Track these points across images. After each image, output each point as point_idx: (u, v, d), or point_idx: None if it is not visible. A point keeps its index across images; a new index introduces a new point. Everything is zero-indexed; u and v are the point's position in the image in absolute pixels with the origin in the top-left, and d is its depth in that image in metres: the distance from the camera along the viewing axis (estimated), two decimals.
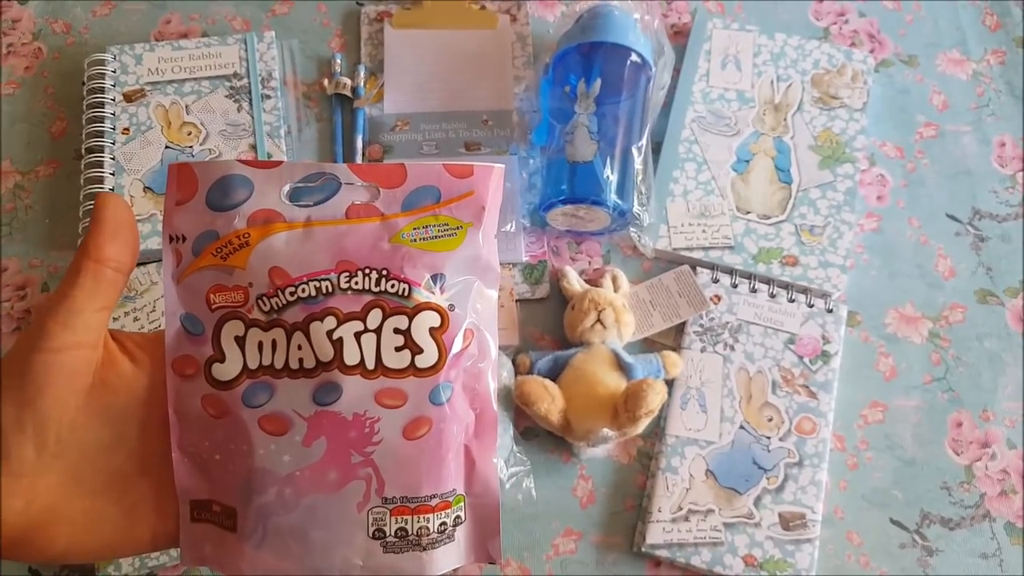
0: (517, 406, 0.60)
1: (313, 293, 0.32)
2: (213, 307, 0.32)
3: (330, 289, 0.32)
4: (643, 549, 0.58)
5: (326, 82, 0.73)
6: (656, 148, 0.70)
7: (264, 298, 0.32)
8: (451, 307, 0.33)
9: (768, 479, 0.60)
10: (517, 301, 0.65)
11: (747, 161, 0.70)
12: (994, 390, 0.65)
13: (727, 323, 0.64)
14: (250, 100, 0.70)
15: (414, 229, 0.33)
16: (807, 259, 0.66)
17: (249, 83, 0.71)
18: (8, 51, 0.74)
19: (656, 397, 0.56)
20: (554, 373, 0.61)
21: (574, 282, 0.65)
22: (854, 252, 0.68)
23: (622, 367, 0.61)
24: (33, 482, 0.30)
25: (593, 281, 0.66)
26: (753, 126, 0.71)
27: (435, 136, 0.70)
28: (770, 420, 0.62)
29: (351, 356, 0.32)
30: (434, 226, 0.33)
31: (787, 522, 0.59)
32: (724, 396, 0.62)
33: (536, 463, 0.61)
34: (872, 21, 0.78)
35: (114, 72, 0.70)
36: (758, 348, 0.64)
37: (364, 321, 0.32)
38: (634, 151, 0.65)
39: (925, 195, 0.71)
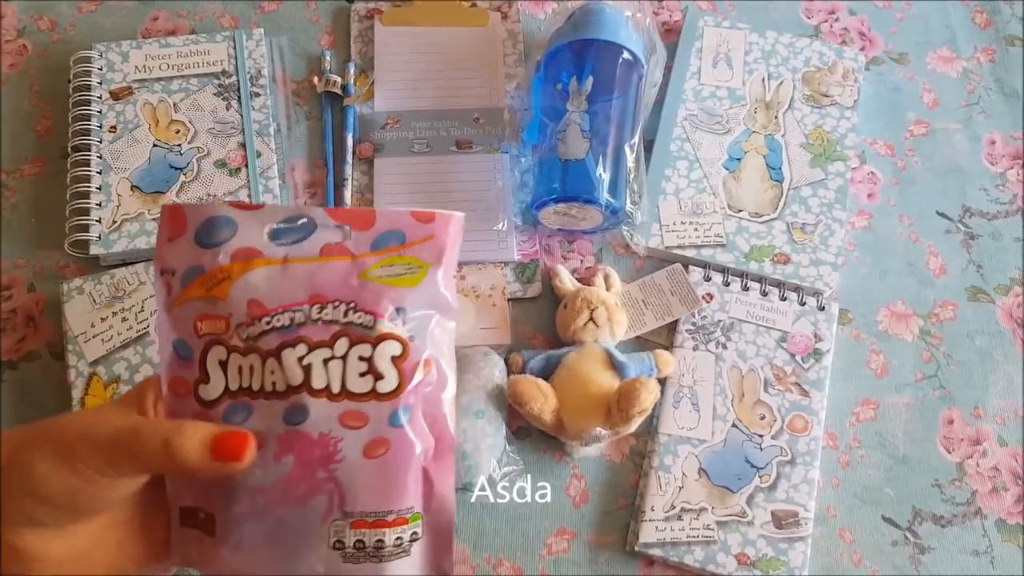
0: (510, 405, 0.60)
1: (287, 323, 0.36)
2: (200, 334, 0.36)
3: (303, 320, 0.36)
4: (636, 548, 0.58)
5: (316, 80, 0.72)
6: (648, 146, 0.70)
7: (242, 327, 0.35)
8: (411, 338, 0.36)
9: (761, 477, 0.60)
10: (509, 300, 0.65)
11: (739, 159, 0.70)
12: (985, 387, 0.65)
13: (719, 321, 0.64)
14: (239, 98, 0.70)
15: (380, 267, 0.37)
16: (799, 257, 0.66)
17: (238, 81, 0.70)
18: None
19: (649, 396, 0.56)
20: (547, 372, 0.61)
21: (566, 281, 0.64)
22: (845, 250, 0.68)
23: (615, 366, 0.61)
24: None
25: (585, 280, 0.66)
26: (744, 124, 0.71)
27: (426, 134, 0.70)
28: (762, 418, 0.62)
29: (319, 380, 0.35)
30: (399, 265, 0.37)
31: (780, 520, 0.59)
32: (716, 394, 0.62)
33: (529, 463, 0.61)
34: (863, 19, 0.78)
35: (100, 70, 0.70)
36: (750, 346, 0.64)
37: (332, 348, 0.36)
38: (626, 149, 0.65)
39: (916, 193, 0.71)
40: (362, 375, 0.36)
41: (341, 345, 0.36)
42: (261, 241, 0.37)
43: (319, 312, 0.36)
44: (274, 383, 0.35)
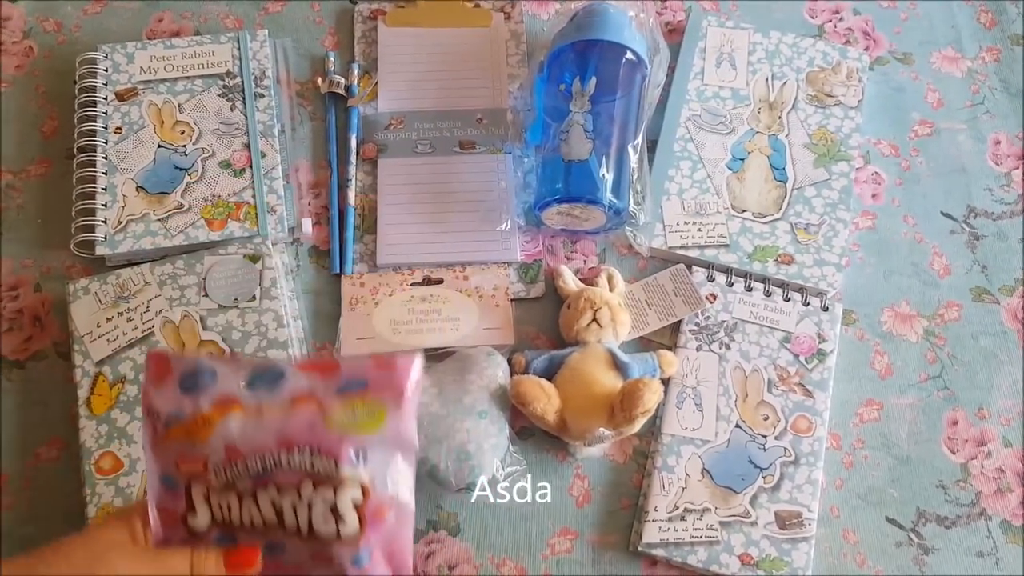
0: (513, 406, 0.60)
1: (259, 468, 0.40)
2: (182, 471, 0.40)
3: (273, 464, 0.39)
4: (639, 548, 0.58)
5: (320, 81, 0.72)
6: (651, 146, 0.70)
7: (219, 468, 0.40)
8: (372, 480, 0.40)
9: (764, 478, 0.60)
10: (512, 300, 0.65)
11: (742, 159, 0.70)
12: (989, 388, 0.65)
13: (723, 322, 0.64)
14: (243, 99, 0.70)
15: (344, 413, 0.40)
16: (802, 257, 0.66)
17: (242, 82, 0.70)
18: None
19: (652, 396, 0.56)
20: (550, 372, 0.61)
21: (569, 281, 0.65)
22: (849, 250, 0.68)
23: (618, 366, 0.61)
24: None
25: (588, 280, 0.66)
26: (748, 124, 0.71)
27: (429, 135, 0.70)
28: (766, 419, 0.62)
29: (289, 522, 0.40)
30: (361, 410, 0.40)
31: (783, 521, 0.59)
32: (720, 395, 0.62)
33: (532, 462, 0.61)
34: (867, 19, 0.78)
35: (106, 71, 0.70)
36: (754, 347, 0.64)
37: (299, 491, 0.40)
38: (629, 149, 0.65)
39: (920, 193, 0.71)
40: (326, 519, 0.39)
41: (306, 488, 0.40)
42: (239, 389, 0.41)
43: (287, 457, 0.40)
44: (252, 520, 0.40)
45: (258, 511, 0.40)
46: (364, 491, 0.40)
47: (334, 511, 0.39)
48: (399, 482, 0.41)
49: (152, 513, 0.40)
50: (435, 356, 0.62)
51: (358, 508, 0.40)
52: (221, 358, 0.42)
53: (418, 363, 0.41)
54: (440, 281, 0.66)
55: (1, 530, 0.59)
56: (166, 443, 0.41)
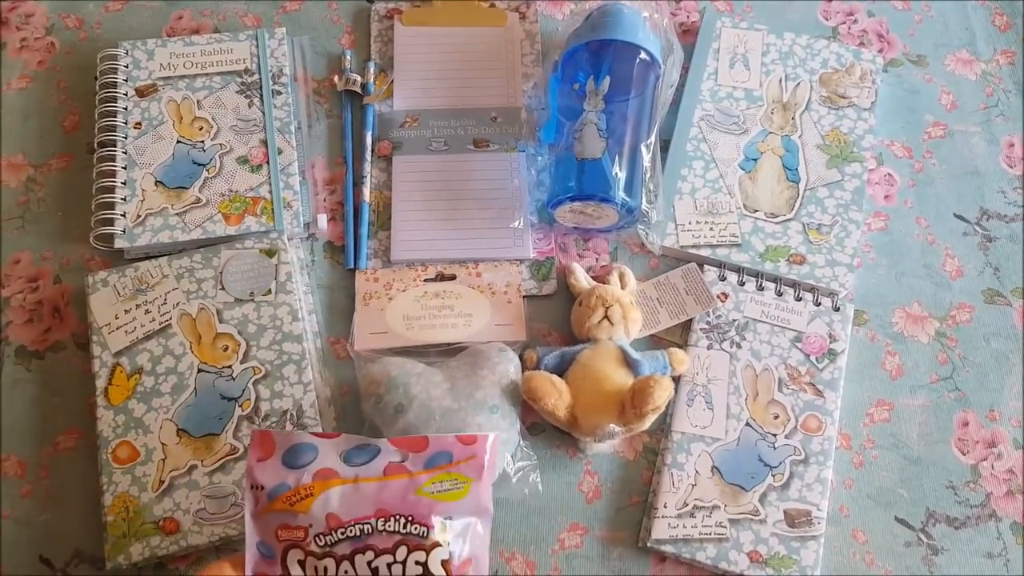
0: (524, 401, 0.60)
1: (358, 533, 0.45)
2: (280, 539, 0.45)
3: (370, 531, 0.45)
4: (648, 544, 0.59)
5: (336, 78, 0.73)
6: (664, 146, 0.70)
7: (320, 535, 0.45)
8: (457, 541, 0.46)
9: (774, 476, 0.60)
10: (524, 297, 0.66)
11: (755, 159, 0.70)
12: (1000, 390, 0.65)
13: (734, 321, 0.65)
14: (261, 96, 0.71)
15: (432, 484, 0.46)
16: (814, 258, 0.66)
17: (260, 79, 0.71)
18: (21, 46, 0.75)
19: (663, 393, 0.56)
20: (561, 369, 0.62)
21: (581, 279, 0.65)
22: (861, 251, 0.68)
23: (629, 364, 0.61)
24: None
25: (600, 278, 0.66)
26: (761, 125, 0.71)
27: (444, 132, 0.71)
28: (776, 417, 0.62)
29: None
30: (447, 481, 0.46)
31: (792, 519, 0.59)
32: (730, 393, 0.62)
33: (543, 458, 0.61)
34: (881, 21, 0.78)
35: (126, 67, 0.71)
36: (765, 346, 0.64)
37: (394, 555, 0.44)
38: (642, 149, 0.65)
39: (933, 195, 0.71)
40: None
41: (401, 552, 0.45)
42: (337, 463, 0.46)
43: (383, 524, 0.45)
44: None
45: (355, 572, 0.44)
46: (450, 553, 0.45)
47: (425, 570, 0.45)
48: (478, 543, 0.47)
49: None
50: (448, 351, 0.63)
51: (445, 566, 0.45)
52: (322, 435, 0.47)
53: (496, 440, 0.48)
54: (453, 277, 0.66)
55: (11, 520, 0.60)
56: (268, 514, 0.45)
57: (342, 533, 0.45)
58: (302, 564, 0.44)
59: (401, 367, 0.59)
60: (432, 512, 0.45)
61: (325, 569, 0.44)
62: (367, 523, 0.45)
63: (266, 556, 0.45)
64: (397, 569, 0.44)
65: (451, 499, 0.46)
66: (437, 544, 0.45)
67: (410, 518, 0.45)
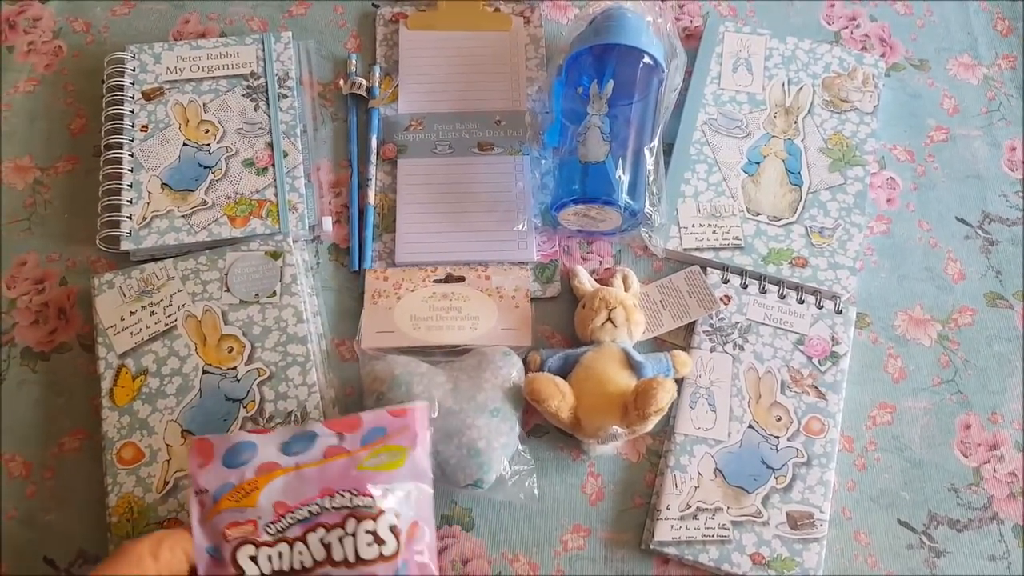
0: (527, 404, 0.60)
1: (307, 515, 0.47)
2: (229, 540, 0.46)
3: (318, 511, 0.47)
4: (651, 546, 0.59)
5: (342, 82, 0.74)
6: (667, 149, 0.71)
7: (271, 524, 0.47)
8: (402, 506, 0.48)
9: (776, 478, 0.60)
10: (532, 300, 0.66)
11: (758, 163, 0.70)
12: (1003, 393, 0.65)
13: (737, 323, 0.65)
14: (267, 99, 0.71)
15: (371, 458, 0.48)
16: (817, 261, 0.67)
17: (266, 82, 0.72)
18: (29, 49, 0.75)
19: (666, 395, 0.56)
20: (564, 371, 0.62)
21: (585, 281, 0.65)
22: (864, 254, 0.69)
23: (632, 366, 0.61)
24: None
25: (604, 281, 0.66)
26: (764, 128, 0.72)
27: (448, 136, 0.71)
28: (779, 420, 0.62)
29: (337, 554, 0.47)
30: (384, 454, 0.49)
31: (795, 521, 0.59)
32: (733, 395, 0.63)
33: (546, 460, 0.61)
34: (883, 25, 0.78)
35: (133, 70, 0.72)
36: (767, 348, 0.64)
37: (344, 527, 0.47)
38: (646, 152, 0.66)
39: (935, 198, 0.72)
40: (369, 544, 0.47)
41: (351, 524, 0.47)
42: (276, 455, 0.48)
43: (330, 502, 0.47)
44: (302, 562, 0.46)
45: (308, 551, 0.46)
46: (397, 517, 0.47)
47: (376, 537, 0.47)
48: (423, 507, 0.49)
49: None
50: (452, 353, 0.63)
51: (394, 531, 0.47)
52: (258, 429, 0.50)
53: (425, 408, 0.51)
54: (462, 279, 0.66)
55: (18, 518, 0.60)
56: (215, 516, 0.47)
57: (292, 518, 0.47)
58: (254, 559, 0.46)
59: (405, 366, 0.60)
60: (374, 482, 0.48)
61: (280, 555, 0.46)
62: (314, 504, 0.47)
63: (217, 559, 0.46)
64: (348, 541, 0.46)
65: (390, 468, 0.48)
66: (383, 512, 0.47)
67: (355, 491, 0.47)
